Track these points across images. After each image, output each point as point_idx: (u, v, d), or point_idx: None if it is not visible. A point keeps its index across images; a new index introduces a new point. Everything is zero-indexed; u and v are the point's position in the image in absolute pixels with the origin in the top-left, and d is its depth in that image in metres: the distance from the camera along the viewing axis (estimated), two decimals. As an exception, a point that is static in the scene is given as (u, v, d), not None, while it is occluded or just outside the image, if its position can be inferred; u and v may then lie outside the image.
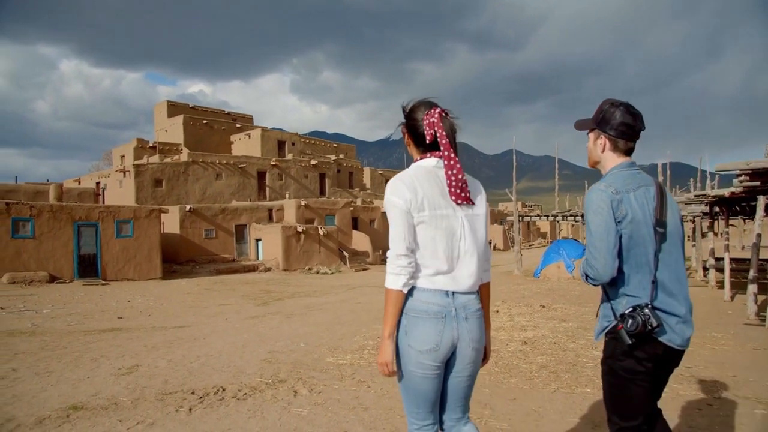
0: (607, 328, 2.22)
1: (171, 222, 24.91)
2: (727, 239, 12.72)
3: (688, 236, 24.31)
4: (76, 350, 7.06)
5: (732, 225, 25.79)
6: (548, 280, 17.76)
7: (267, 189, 36.68)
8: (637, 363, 2.14)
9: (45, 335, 8.38)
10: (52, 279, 18.09)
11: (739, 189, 8.95)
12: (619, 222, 2.13)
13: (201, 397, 4.68)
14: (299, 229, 25.71)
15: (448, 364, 2.12)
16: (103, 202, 25.53)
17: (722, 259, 13.34)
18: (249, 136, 40.37)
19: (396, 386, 4.73)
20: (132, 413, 4.27)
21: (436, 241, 2.07)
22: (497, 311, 10.12)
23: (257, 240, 26.87)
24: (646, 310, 2.07)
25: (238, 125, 43.10)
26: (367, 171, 49.29)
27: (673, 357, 2.19)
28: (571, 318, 9.34)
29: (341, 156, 46.23)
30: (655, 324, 2.05)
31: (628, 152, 2.28)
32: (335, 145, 49.87)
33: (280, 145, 40.57)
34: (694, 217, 20.76)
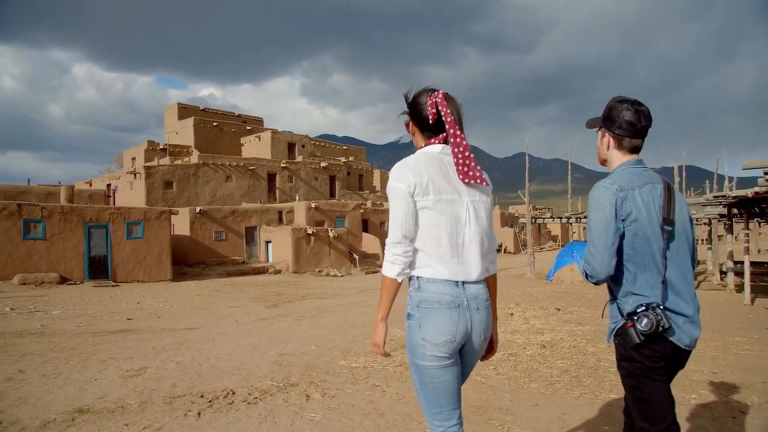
0: (615, 329, 2.19)
1: (181, 224, 24.90)
2: (747, 241, 12.42)
3: (704, 239, 23.94)
4: (84, 352, 6.94)
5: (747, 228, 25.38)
6: (562, 283, 17.48)
7: (277, 191, 36.65)
8: (649, 360, 2.11)
9: (54, 336, 8.28)
10: (63, 280, 18.09)
11: (765, 188, 8.68)
12: (623, 220, 2.11)
13: (210, 401, 4.53)
14: (309, 231, 25.60)
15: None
16: (114, 204, 25.58)
17: (741, 262, 13.04)
18: (259, 139, 40.38)
19: (412, 391, 4.55)
20: (139, 417, 4.13)
21: (440, 228, 2.00)
22: (512, 314, 9.90)
23: (267, 242, 26.79)
24: (659, 311, 2.04)
25: (248, 127, 43.14)
26: (377, 173, 49.17)
27: (680, 357, 2.17)
28: (588, 321, 9.10)
29: (351, 158, 46.15)
30: (666, 326, 2.03)
31: (633, 150, 2.25)
32: (345, 147, 49.79)
33: (290, 147, 40.54)
34: (710, 219, 20.40)
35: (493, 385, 4.96)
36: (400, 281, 2.02)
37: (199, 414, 4.19)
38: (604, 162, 2.35)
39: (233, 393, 4.77)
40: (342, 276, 24.36)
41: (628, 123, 2.20)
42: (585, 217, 22.98)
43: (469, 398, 4.52)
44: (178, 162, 33.09)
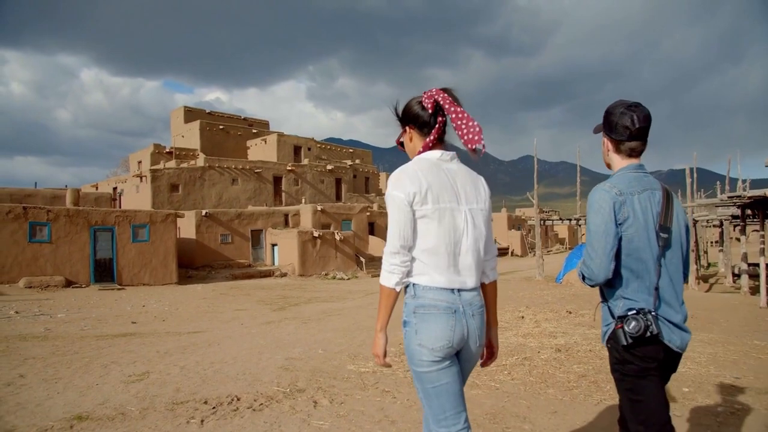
0: (607, 333, 2.21)
1: (187, 227, 24.81)
2: (763, 243, 12.15)
3: (716, 241, 23.63)
4: (86, 356, 6.79)
5: (755, 231, 25.00)
6: (571, 286, 17.21)
7: (283, 194, 36.54)
8: (642, 361, 2.11)
9: (57, 340, 8.15)
10: (69, 283, 18.01)
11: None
12: (620, 224, 2.11)
13: (214, 407, 4.35)
14: (315, 234, 25.45)
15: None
16: (120, 207, 25.53)
17: (756, 264, 12.77)
18: (265, 142, 40.31)
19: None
20: (139, 424, 3.95)
21: (438, 237, 1.99)
22: (522, 317, 9.69)
23: (273, 245, 26.66)
24: (650, 316, 2.05)
25: (254, 130, 43.09)
26: (383, 176, 48.99)
27: (673, 360, 2.18)
28: (600, 324, 8.87)
29: (357, 161, 46.00)
30: (655, 331, 2.04)
31: (632, 153, 2.24)
32: (351, 150, 49.66)
33: (296, 150, 40.44)
34: (721, 221, 20.12)
35: (508, 391, 4.76)
36: (398, 290, 2.01)
37: (202, 421, 4.01)
38: (608, 166, 2.37)
39: (238, 399, 4.59)
40: (348, 279, 24.18)
41: (624, 126, 2.19)
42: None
43: (484, 405, 4.33)
44: (184, 165, 33.04)
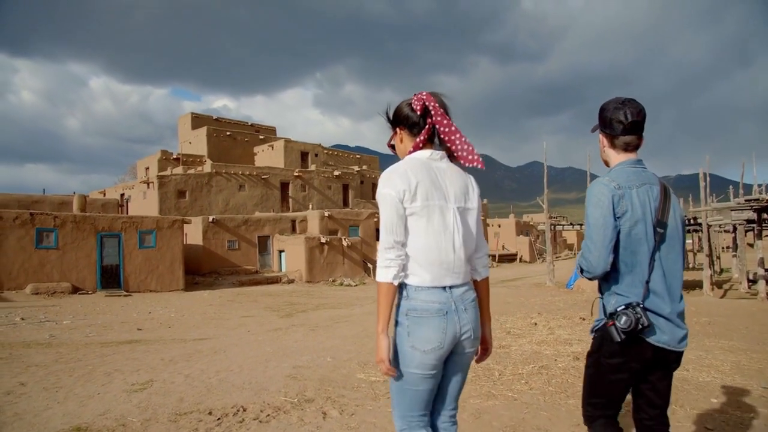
0: (597, 327, 2.24)
1: (194, 233, 24.72)
2: (781, 247, 11.86)
3: (728, 246, 23.26)
4: (90, 363, 6.63)
5: (766, 236, 24.65)
6: (583, 292, 16.94)
7: (290, 200, 36.45)
8: (624, 363, 2.13)
9: (61, 347, 8.00)
10: (75, 290, 17.92)
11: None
12: (618, 217, 2.12)
13: (219, 419, 4.16)
14: (323, 240, 25.29)
15: (447, 359, 2.09)
16: (127, 214, 25.50)
17: (774, 269, 12.47)
18: (272, 148, 40.29)
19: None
20: (141, 437, 3.77)
21: (428, 234, 2.02)
22: (535, 324, 9.45)
23: (280, 251, 26.52)
24: (638, 309, 2.05)
25: (261, 137, 43.10)
26: (390, 182, 48.85)
27: (665, 358, 2.14)
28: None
29: (364, 167, 45.87)
30: (646, 323, 2.04)
31: (627, 147, 2.25)
32: (358, 156, 49.57)
33: (303, 156, 40.38)
34: (734, 225, 19.77)
35: (527, 402, 4.54)
36: (396, 284, 2.01)
37: (206, 433, 3.82)
38: (607, 163, 2.37)
39: (244, 410, 4.39)
40: (356, 285, 23.98)
41: (617, 121, 2.21)
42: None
43: (502, 417, 4.11)
44: (191, 171, 33.04)
